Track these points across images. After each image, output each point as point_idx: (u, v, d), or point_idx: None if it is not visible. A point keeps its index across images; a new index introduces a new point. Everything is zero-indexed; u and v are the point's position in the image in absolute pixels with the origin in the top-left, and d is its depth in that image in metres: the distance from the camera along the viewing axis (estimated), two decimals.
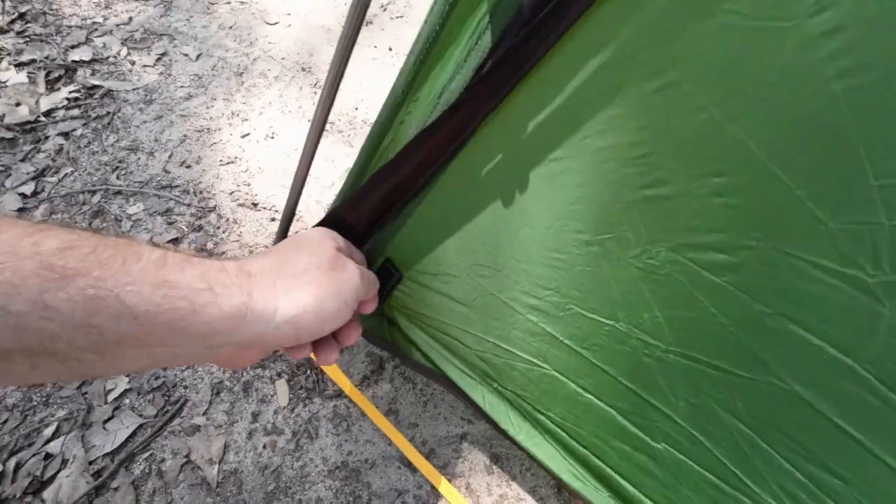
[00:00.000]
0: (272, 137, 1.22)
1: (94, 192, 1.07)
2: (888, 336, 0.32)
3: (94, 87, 1.24)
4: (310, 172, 0.69)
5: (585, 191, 0.41)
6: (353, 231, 0.54)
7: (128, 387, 0.85)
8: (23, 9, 1.35)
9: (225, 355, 0.38)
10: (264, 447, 0.82)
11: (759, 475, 0.42)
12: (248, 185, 1.13)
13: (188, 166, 1.14)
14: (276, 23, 1.48)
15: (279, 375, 0.89)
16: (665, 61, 0.33)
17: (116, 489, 0.76)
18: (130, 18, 1.41)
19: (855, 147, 0.29)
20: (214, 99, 1.27)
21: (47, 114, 1.17)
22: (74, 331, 0.27)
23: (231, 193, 1.11)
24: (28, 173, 1.07)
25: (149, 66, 1.31)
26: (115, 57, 1.31)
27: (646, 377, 0.46)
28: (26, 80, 1.21)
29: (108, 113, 1.20)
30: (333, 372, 0.90)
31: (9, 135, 1.11)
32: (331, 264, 0.43)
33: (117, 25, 1.38)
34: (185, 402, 0.85)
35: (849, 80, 0.28)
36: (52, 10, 1.38)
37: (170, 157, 1.15)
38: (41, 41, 1.29)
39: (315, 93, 1.32)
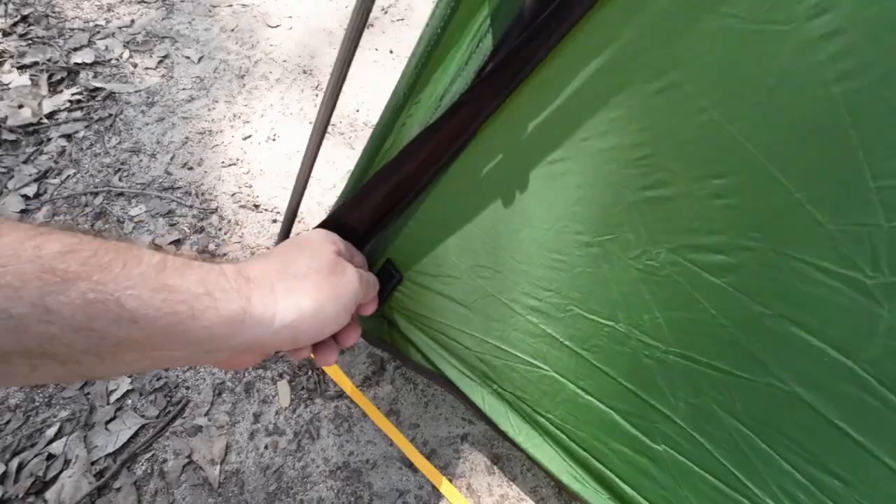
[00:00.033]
0: (274, 140, 1.22)
1: (96, 194, 1.07)
2: (887, 337, 0.32)
3: (97, 89, 1.24)
4: (311, 174, 0.69)
5: (586, 192, 0.41)
6: (354, 232, 0.54)
7: (130, 387, 0.86)
8: (25, 11, 1.36)
9: (223, 358, 0.38)
10: (266, 448, 0.82)
11: (759, 476, 0.43)
12: (250, 186, 1.14)
13: (190, 168, 1.14)
14: (278, 25, 1.48)
15: (281, 376, 0.90)
16: (666, 63, 0.33)
17: (119, 490, 0.76)
18: (132, 21, 1.42)
19: (854, 149, 0.29)
20: (216, 101, 1.27)
21: (50, 116, 1.17)
22: (74, 334, 0.27)
23: (233, 195, 1.12)
24: (31, 175, 1.07)
25: (151, 68, 1.32)
26: (117, 59, 1.31)
27: (646, 378, 0.46)
28: (29, 82, 1.21)
29: (111, 115, 1.20)
30: (335, 373, 0.90)
31: (12, 137, 1.12)
32: (330, 268, 0.43)
33: (119, 28, 1.39)
34: (187, 403, 0.85)
35: (848, 82, 0.28)
36: (54, 12, 1.38)
37: (172, 159, 1.16)
38: (44, 44, 1.30)
39: (316, 95, 1.33)
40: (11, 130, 1.12)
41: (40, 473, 0.76)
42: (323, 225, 0.54)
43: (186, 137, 1.19)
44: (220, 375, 0.89)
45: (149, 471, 0.79)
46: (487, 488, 0.82)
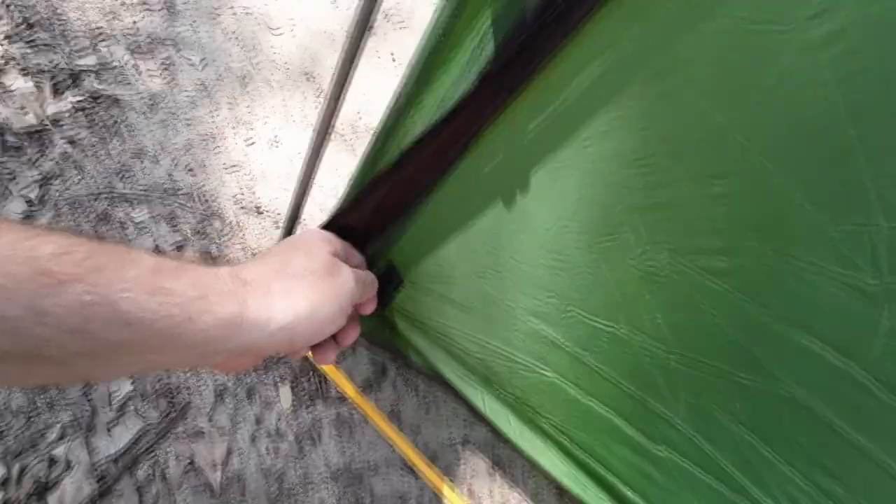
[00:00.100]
0: (276, 144, 1.23)
1: (99, 198, 1.08)
2: (887, 339, 0.32)
3: (100, 93, 1.25)
4: (313, 179, 0.70)
5: (586, 192, 0.41)
6: (354, 233, 0.54)
7: (132, 391, 0.86)
8: (30, 16, 1.36)
9: (219, 361, 0.38)
10: (267, 451, 0.82)
11: (761, 479, 0.42)
12: (252, 190, 1.14)
13: (193, 172, 1.15)
14: (280, 29, 1.49)
15: (282, 380, 0.90)
16: (667, 65, 0.33)
17: (120, 493, 0.76)
18: (136, 25, 1.42)
19: (854, 150, 0.29)
20: (219, 105, 1.28)
21: (53, 120, 1.18)
22: (68, 336, 0.27)
23: (235, 199, 1.12)
24: (34, 179, 1.08)
25: (154, 73, 1.32)
26: (120, 64, 1.32)
27: (647, 381, 0.46)
28: (33, 87, 1.22)
29: (114, 119, 1.21)
30: (336, 376, 0.90)
31: (15, 141, 1.12)
32: (326, 269, 0.43)
33: (123, 33, 1.39)
34: (188, 407, 0.85)
35: (849, 84, 0.28)
36: (58, 17, 1.39)
37: (174, 163, 1.16)
38: (48, 48, 1.31)
39: (319, 100, 1.33)
40: (15, 135, 1.13)
41: (42, 477, 0.76)
42: (324, 226, 0.55)
43: (189, 141, 1.20)
44: (222, 379, 0.88)
45: (150, 474, 0.79)
46: (488, 492, 0.82)
